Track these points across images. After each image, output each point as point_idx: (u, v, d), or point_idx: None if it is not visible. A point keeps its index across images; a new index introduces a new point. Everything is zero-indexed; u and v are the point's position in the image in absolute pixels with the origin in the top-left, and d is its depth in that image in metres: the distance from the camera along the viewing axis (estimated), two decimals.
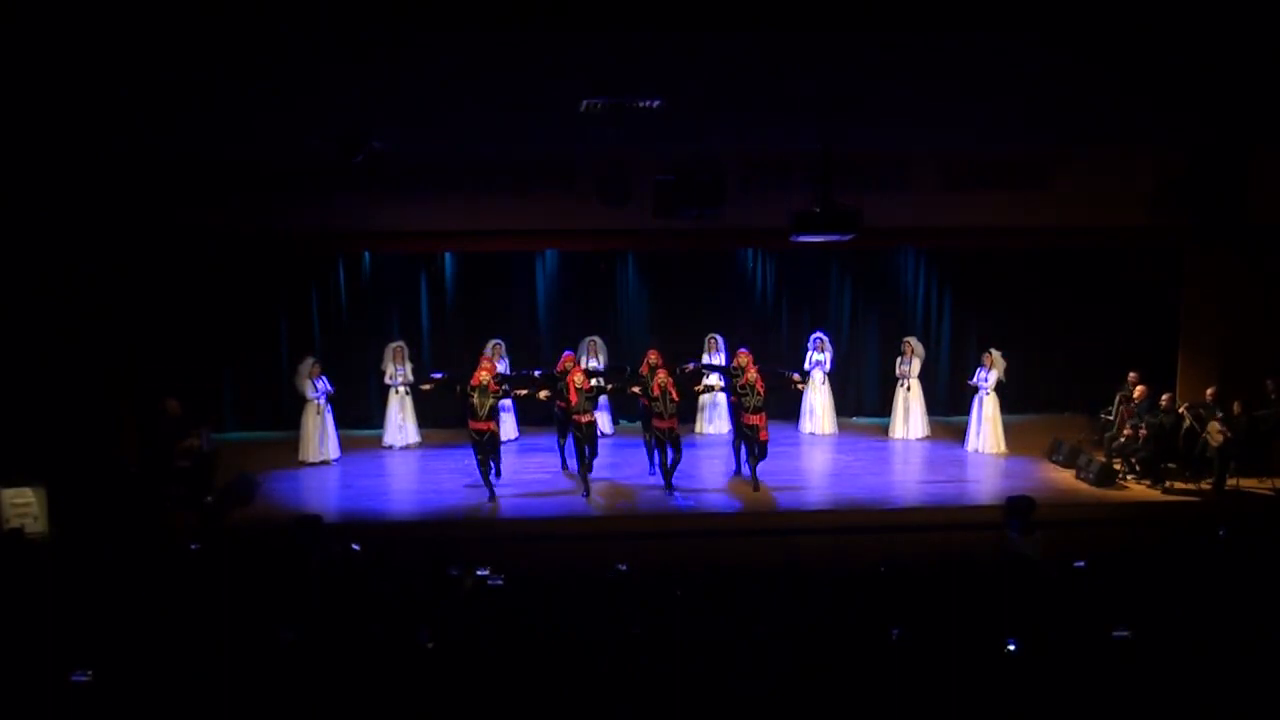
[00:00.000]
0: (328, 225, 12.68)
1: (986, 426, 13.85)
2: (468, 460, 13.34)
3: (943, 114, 10.14)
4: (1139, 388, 12.89)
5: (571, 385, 11.84)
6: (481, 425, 11.66)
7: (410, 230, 13.04)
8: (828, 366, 14.80)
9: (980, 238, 13.68)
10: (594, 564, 8.29)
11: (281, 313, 15.11)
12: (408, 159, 12.01)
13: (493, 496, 11.71)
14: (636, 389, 12.40)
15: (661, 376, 11.95)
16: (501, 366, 13.82)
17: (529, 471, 12.97)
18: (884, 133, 11.27)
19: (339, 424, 13.86)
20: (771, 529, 11.19)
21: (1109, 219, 13.01)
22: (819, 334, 14.91)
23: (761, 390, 11.83)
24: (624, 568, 7.99)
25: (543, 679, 5.72)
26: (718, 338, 14.68)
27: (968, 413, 14.21)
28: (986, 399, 13.84)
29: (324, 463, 13.45)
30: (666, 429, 11.89)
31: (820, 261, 15.78)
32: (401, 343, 14.31)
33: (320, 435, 13.48)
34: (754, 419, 11.86)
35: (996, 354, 13.86)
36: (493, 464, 11.87)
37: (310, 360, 13.56)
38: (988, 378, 13.78)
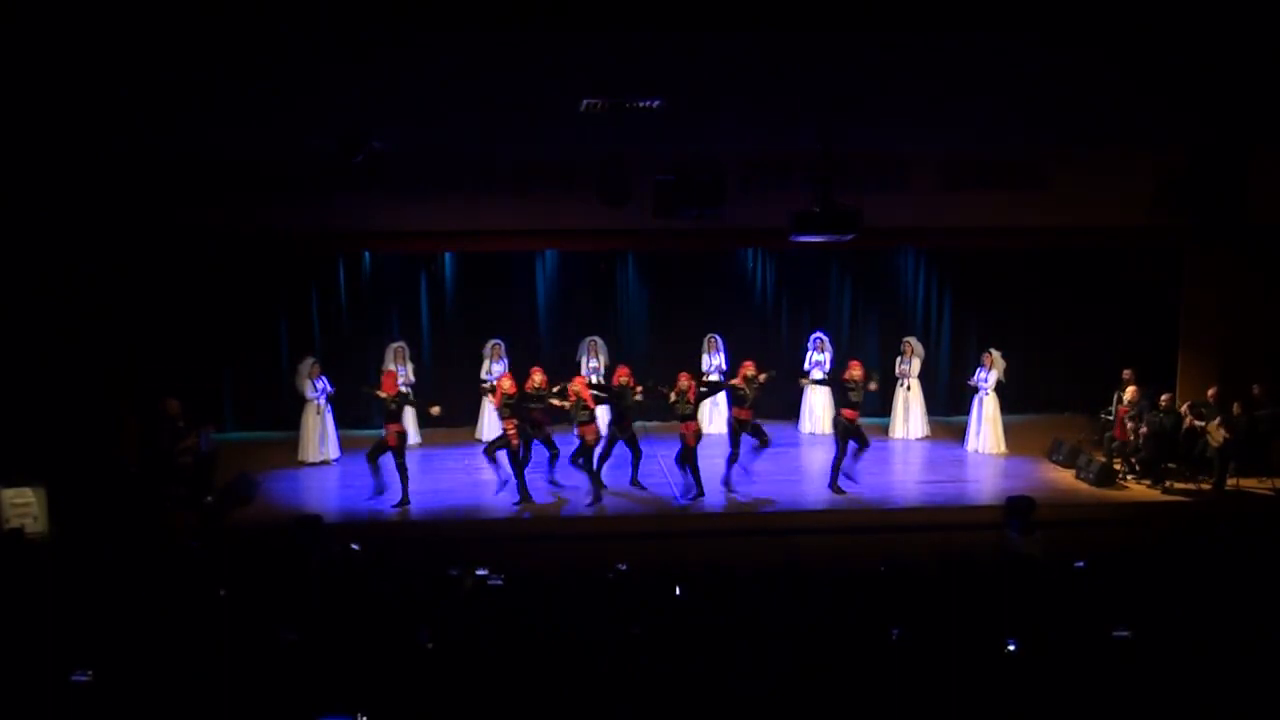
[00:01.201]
0: (328, 225, 12.68)
1: (986, 426, 13.85)
2: (467, 460, 13.39)
3: (943, 114, 10.14)
4: (1130, 388, 12.90)
5: (499, 390, 11.73)
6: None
7: (410, 230, 13.04)
8: (827, 366, 14.80)
9: (980, 238, 13.67)
10: (594, 564, 8.28)
11: (281, 313, 15.11)
12: (408, 159, 12.01)
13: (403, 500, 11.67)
14: (555, 401, 11.98)
15: (577, 384, 11.81)
16: (500, 367, 13.86)
17: (530, 472, 12.95)
18: (884, 133, 11.28)
19: (339, 424, 13.86)
20: (771, 529, 11.19)
21: (1109, 219, 13.01)
22: (819, 334, 14.90)
23: (692, 399, 11.74)
24: (624, 567, 7.99)
25: (543, 679, 5.72)
26: (717, 338, 14.68)
27: (967, 413, 14.21)
28: (986, 399, 13.83)
29: (324, 463, 13.46)
30: (590, 435, 11.76)
31: (820, 261, 15.79)
32: (403, 343, 14.30)
33: (320, 435, 13.49)
34: (683, 427, 11.75)
35: (996, 354, 13.85)
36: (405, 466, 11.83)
37: (310, 360, 13.57)
38: (987, 378, 13.77)
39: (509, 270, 15.46)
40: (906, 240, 14.71)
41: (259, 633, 6.49)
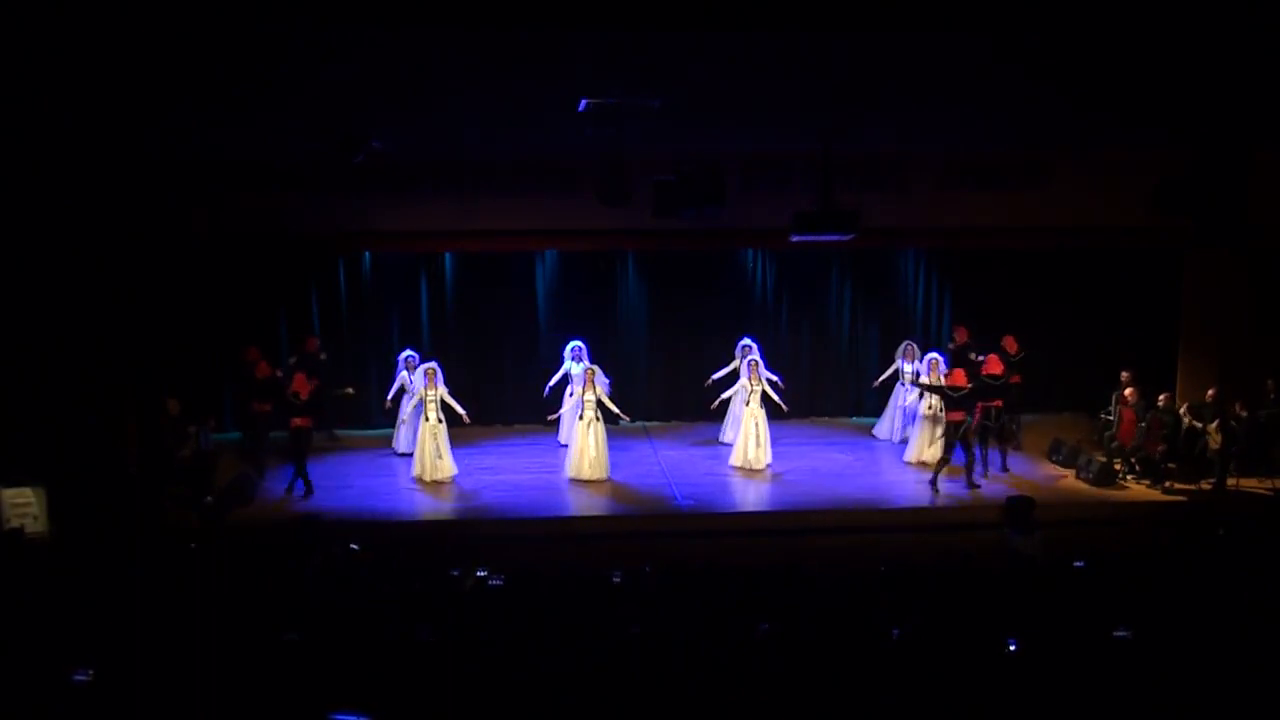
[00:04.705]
0: (328, 225, 12.67)
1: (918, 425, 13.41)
2: (468, 461, 13.39)
3: (942, 115, 10.13)
4: (1129, 389, 12.89)
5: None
6: None
7: (410, 230, 13.03)
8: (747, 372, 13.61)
9: (980, 238, 13.66)
10: (594, 564, 8.29)
11: (282, 313, 15.08)
12: (408, 159, 12.00)
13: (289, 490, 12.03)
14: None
15: (299, 382, 12.19)
16: (580, 368, 13.31)
17: (532, 471, 12.99)
18: (884, 133, 11.27)
19: (339, 425, 13.82)
20: (771, 529, 11.19)
21: (1109, 219, 12.99)
22: (745, 340, 14.06)
23: (305, 397, 12.21)
24: (646, 568, 7.99)
25: (543, 679, 5.72)
26: (753, 345, 13.84)
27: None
28: (911, 395, 13.45)
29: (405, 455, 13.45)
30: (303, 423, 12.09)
31: (820, 261, 15.78)
32: (413, 353, 14.22)
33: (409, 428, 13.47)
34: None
35: (914, 346, 13.83)
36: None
37: (415, 355, 13.59)
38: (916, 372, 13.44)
39: (509, 270, 15.44)
40: (906, 240, 14.67)
41: (259, 632, 6.50)
